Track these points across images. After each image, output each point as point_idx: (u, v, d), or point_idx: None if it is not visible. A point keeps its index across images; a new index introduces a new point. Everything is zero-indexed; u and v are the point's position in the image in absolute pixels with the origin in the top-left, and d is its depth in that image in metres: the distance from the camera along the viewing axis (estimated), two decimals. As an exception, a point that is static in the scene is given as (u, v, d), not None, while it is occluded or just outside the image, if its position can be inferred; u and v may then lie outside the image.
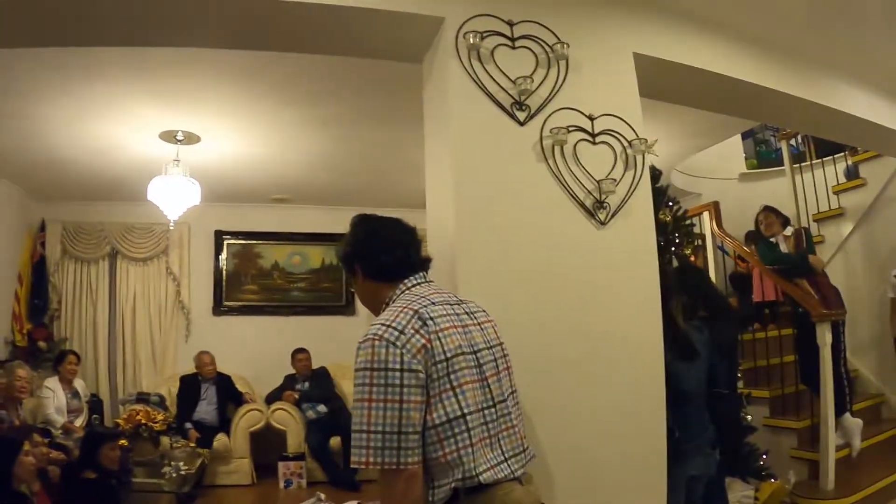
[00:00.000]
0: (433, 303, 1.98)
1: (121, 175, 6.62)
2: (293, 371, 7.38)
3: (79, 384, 6.63)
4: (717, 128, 5.92)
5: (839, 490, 4.83)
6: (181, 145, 5.58)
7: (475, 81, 2.76)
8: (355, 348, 1.87)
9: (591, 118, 2.95)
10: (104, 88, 4.60)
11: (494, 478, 1.88)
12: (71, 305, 7.71)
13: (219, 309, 8.09)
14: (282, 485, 6.56)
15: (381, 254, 2.16)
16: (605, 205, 2.87)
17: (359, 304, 8.33)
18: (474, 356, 1.96)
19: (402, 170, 6.79)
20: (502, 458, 1.94)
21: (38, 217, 7.67)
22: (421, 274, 2.15)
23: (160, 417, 5.55)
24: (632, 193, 2.97)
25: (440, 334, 1.89)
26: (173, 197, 5.61)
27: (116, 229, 7.81)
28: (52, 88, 4.58)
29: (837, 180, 7.04)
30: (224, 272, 8.17)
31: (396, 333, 1.83)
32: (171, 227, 6.12)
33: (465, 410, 1.87)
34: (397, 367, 1.79)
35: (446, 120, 2.78)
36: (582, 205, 2.83)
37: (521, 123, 2.79)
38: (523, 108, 2.80)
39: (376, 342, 1.82)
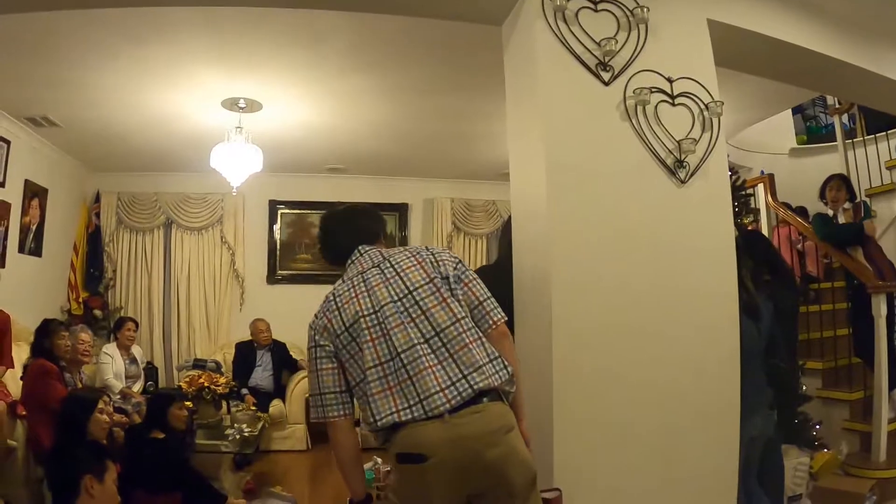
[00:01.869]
0: (343, 281, 2.40)
1: (179, 145, 6.74)
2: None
3: (136, 351, 6.81)
4: (771, 100, 5.92)
5: (891, 461, 4.87)
6: (243, 113, 5.64)
7: (562, 42, 2.83)
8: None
9: (670, 80, 3.02)
10: (168, 53, 4.60)
11: (393, 422, 2.13)
12: (126, 274, 7.92)
13: (273, 277, 8.27)
14: (336, 451, 6.66)
15: (324, 246, 2.63)
16: (684, 164, 2.94)
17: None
18: (375, 315, 2.26)
19: (465, 140, 6.85)
20: (411, 402, 2.14)
21: (92, 188, 7.88)
22: (357, 251, 2.47)
23: (222, 381, 5.67)
24: (709, 154, 3.04)
25: (340, 309, 2.30)
26: (236, 164, 5.69)
27: (171, 199, 7.99)
28: (113, 54, 4.58)
29: (890, 156, 7.02)
30: (278, 241, 8.33)
31: (315, 319, 2.37)
32: (234, 194, 6.23)
33: (365, 368, 2.21)
34: (312, 344, 2.34)
35: (533, 81, 2.85)
36: (664, 163, 2.90)
37: (606, 84, 2.87)
38: (607, 68, 2.88)
39: (309, 328, 2.37)
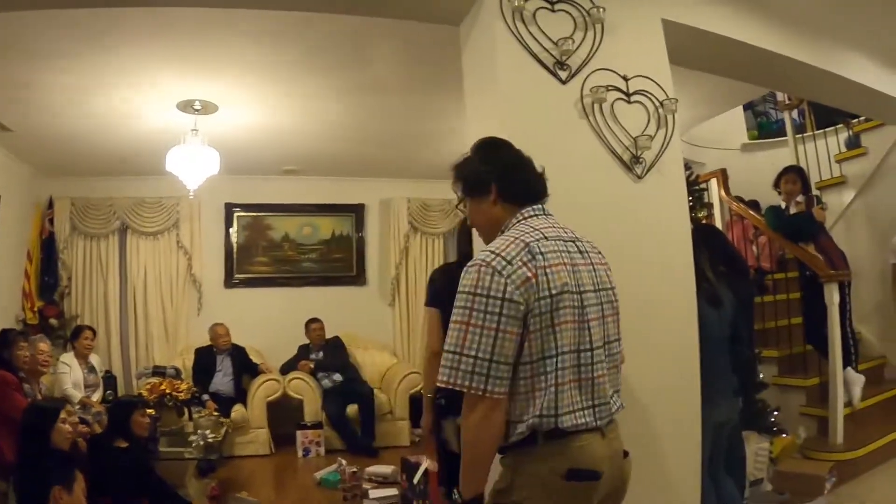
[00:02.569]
0: (546, 237, 1.98)
1: (134, 148, 6.65)
2: (307, 341, 7.51)
3: (94, 359, 6.71)
4: (723, 97, 6.06)
5: (847, 444, 5.02)
6: (199, 115, 5.60)
7: (520, 42, 2.90)
8: (462, 273, 1.93)
9: (626, 79, 3.11)
10: (122, 54, 4.52)
11: (573, 423, 1.89)
12: (81, 282, 7.78)
13: (230, 281, 8.20)
14: (300, 454, 6.69)
15: (518, 175, 2.18)
16: (641, 160, 3.03)
17: (370, 275, 8.60)
18: (579, 296, 1.95)
19: (422, 139, 6.90)
20: (588, 404, 1.94)
21: (45, 194, 7.70)
22: (539, 206, 2.15)
23: (183, 387, 5.65)
24: (664, 150, 3.13)
25: (547, 270, 1.89)
26: (192, 167, 5.66)
27: (126, 204, 7.86)
28: (66, 55, 4.48)
29: (839, 149, 7.24)
30: (235, 244, 8.26)
31: (504, 263, 1.86)
32: (191, 197, 6.16)
33: (560, 350, 1.88)
34: (499, 296, 1.83)
35: (493, 80, 2.91)
36: (620, 159, 2.99)
37: (564, 82, 2.95)
38: (564, 67, 2.96)
39: (482, 268, 1.87)
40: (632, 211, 2.98)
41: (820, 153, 7.28)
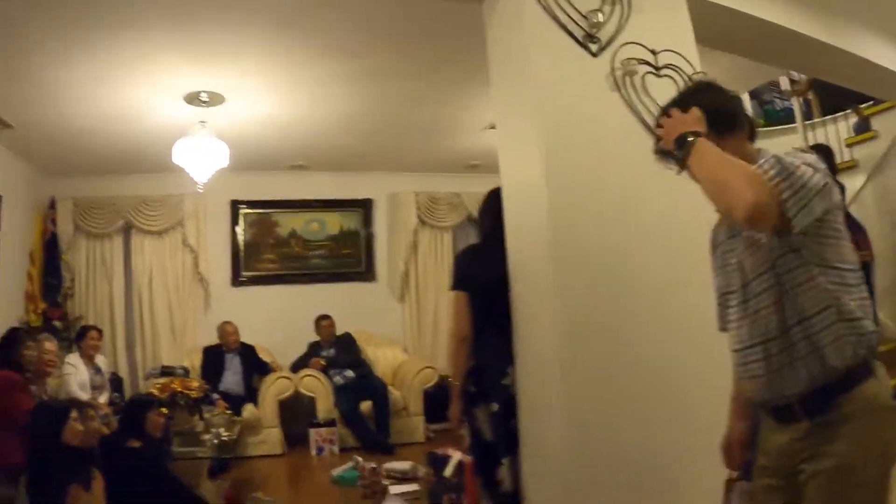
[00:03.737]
0: None
1: (138, 144, 6.61)
2: (317, 338, 7.46)
3: (101, 360, 6.62)
4: (736, 78, 5.98)
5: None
6: (206, 107, 5.56)
7: (549, 14, 2.85)
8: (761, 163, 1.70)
9: (654, 53, 3.07)
10: (128, 46, 4.48)
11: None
12: (85, 282, 7.73)
13: (237, 279, 8.15)
14: (314, 452, 6.62)
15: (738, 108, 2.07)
16: (672, 131, 2.98)
17: (379, 270, 8.56)
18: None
19: (432, 131, 6.89)
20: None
21: (47, 194, 7.64)
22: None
23: (195, 385, 5.56)
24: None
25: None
26: (201, 159, 5.61)
27: (130, 203, 7.80)
28: (71, 48, 4.44)
29: (848, 134, 7.21)
30: (241, 242, 8.21)
31: (823, 167, 1.71)
32: (200, 191, 6.10)
33: (851, 265, 1.77)
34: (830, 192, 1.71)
35: (522, 54, 2.87)
36: (654, 134, 2.92)
37: (594, 55, 2.90)
38: (594, 40, 2.91)
39: (806, 166, 1.67)
40: (664, 185, 2.92)
41: (830, 139, 7.25)
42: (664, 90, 3.03)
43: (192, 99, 5.45)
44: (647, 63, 3.01)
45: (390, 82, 5.45)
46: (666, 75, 3.07)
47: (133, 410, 4.66)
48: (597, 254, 2.72)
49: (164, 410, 4.95)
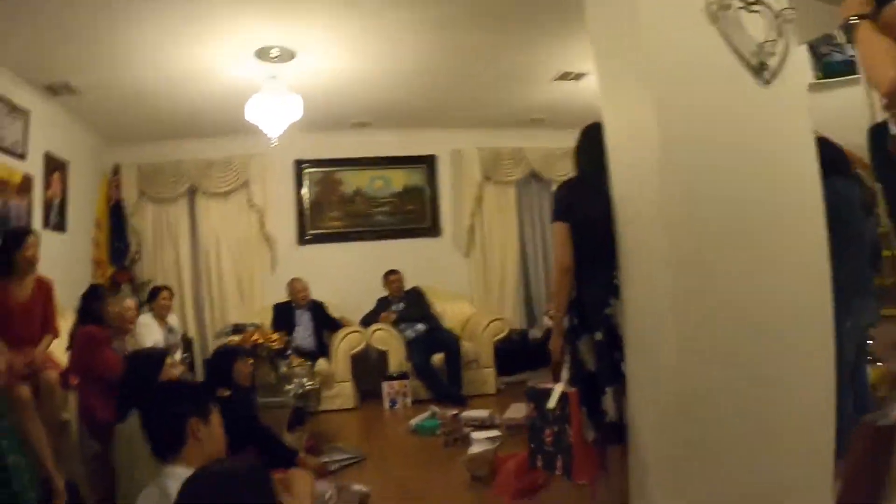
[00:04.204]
0: None
1: (205, 105, 6.81)
2: (385, 294, 7.70)
3: (172, 320, 6.85)
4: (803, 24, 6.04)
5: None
6: (276, 63, 5.69)
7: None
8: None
9: (745, -13, 3.18)
10: (198, 2, 4.57)
11: None
12: (152, 246, 8.06)
13: (303, 238, 8.41)
14: (387, 405, 6.86)
15: None
16: (766, 66, 3.09)
17: (444, 226, 8.76)
18: None
19: (497, 82, 6.97)
20: None
21: (111, 161, 7.96)
22: None
23: (275, 337, 5.80)
24: (785, 57, 3.19)
25: None
26: (274, 113, 5.78)
27: (194, 166, 8.07)
28: (139, 6, 4.51)
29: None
30: (306, 201, 8.46)
31: None
32: (274, 145, 6.29)
33: None
34: None
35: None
36: (749, 64, 3.05)
37: (690, -13, 3.03)
38: (693, -27, 3.03)
39: None
40: (759, 117, 3.05)
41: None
42: (756, 25, 3.16)
43: (264, 55, 5.57)
44: (740, -3, 3.14)
45: (460, 32, 5.52)
46: (755, 11, 3.18)
47: (220, 360, 4.85)
48: (706, 188, 2.84)
49: (251, 360, 5.17)
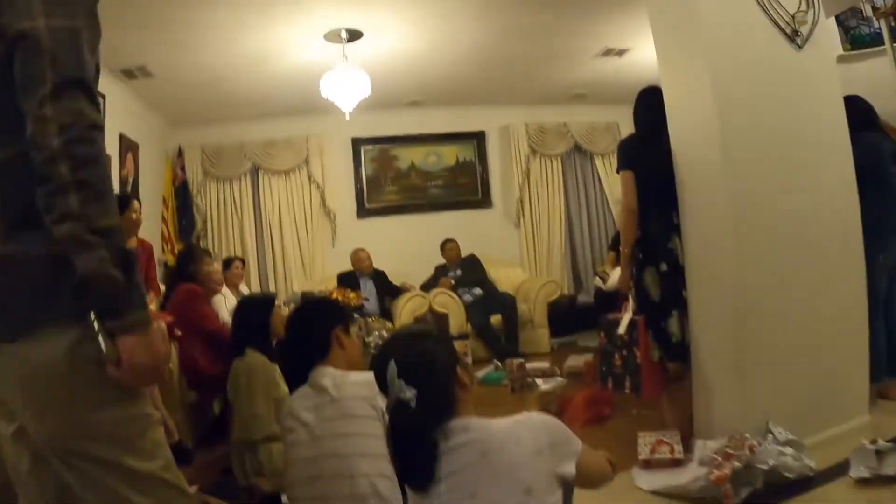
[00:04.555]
0: None
1: (270, 88, 7.39)
2: (443, 262, 8.32)
3: (244, 289, 7.31)
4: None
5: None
6: (343, 45, 6.17)
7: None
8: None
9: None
10: None
11: None
12: (217, 223, 8.67)
13: (362, 211, 9.06)
14: (450, 364, 7.41)
15: None
16: (799, 33, 3.71)
17: (494, 198, 9.40)
18: None
19: (543, 60, 7.52)
20: None
21: (174, 143, 8.58)
22: None
23: (352, 295, 6.38)
24: (816, 26, 3.80)
25: None
26: (347, 90, 6.31)
27: (256, 146, 8.70)
28: None
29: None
30: (364, 176, 9.11)
31: None
32: (348, 117, 6.79)
33: None
34: None
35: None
36: (784, 31, 3.67)
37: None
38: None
39: None
40: (796, 75, 3.67)
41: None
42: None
43: (333, 37, 6.05)
44: (774, -28, 3.74)
45: (513, 14, 6.01)
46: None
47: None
48: (754, 135, 3.48)
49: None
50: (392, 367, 1.82)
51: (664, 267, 3.82)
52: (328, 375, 2.54)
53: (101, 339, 1.33)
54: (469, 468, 1.71)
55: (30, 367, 1.37)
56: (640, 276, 3.94)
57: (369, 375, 1.98)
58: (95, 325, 1.33)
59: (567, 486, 1.78)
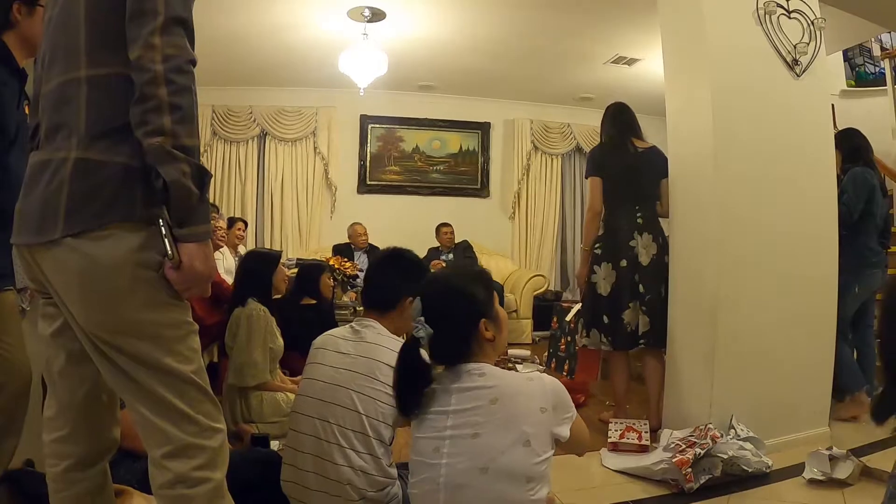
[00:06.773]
0: None
1: (287, 57, 7.59)
2: (436, 245, 8.58)
3: (242, 250, 7.32)
4: (831, 40, 6.77)
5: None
6: (365, 23, 6.39)
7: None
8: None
9: (787, -1, 4.09)
10: None
11: None
12: (220, 183, 8.86)
13: (363, 187, 9.32)
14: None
15: None
16: (799, 62, 4.01)
17: (493, 188, 9.69)
18: None
19: (554, 60, 7.74)
20: None
21: (185, 101, 8.76)
22: None
23: (348, 264, 6.57)
24: (815, 58, 4.10)
25: None
26: (365, 67, 6.57)
27: (266, 112, 8.91)
28: None
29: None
30: (368, 153, 9.37)
31: None
32: (362, 94, 7.09)
33: None
34: None
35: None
36: (785, 60, 3.96)
37: (743, -4, 3.93)
38: (746, -15, 3.94)
39: None
40: (792, 102, 3.97)
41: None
42: (793, 29, 4.07)
43: (356, 14, 6.26)
44: (781, 6, 4.01)
45: (534, 11, 6.24)
46: (794, 18, 4.08)
47: (309, 272, 5.43)
48: (747, 151, 3.83)
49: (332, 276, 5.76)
50: (417, 303, 1.99)
51: (624, 263, 4.29)
52: (371, 327, 2.62)
53: (167, 242, 1.53)
54: (478, 410, 1.89)
55: (92, 261, 1.53)
56: (594, 269, 4.41)
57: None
58: (164, 229, 1.53)
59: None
